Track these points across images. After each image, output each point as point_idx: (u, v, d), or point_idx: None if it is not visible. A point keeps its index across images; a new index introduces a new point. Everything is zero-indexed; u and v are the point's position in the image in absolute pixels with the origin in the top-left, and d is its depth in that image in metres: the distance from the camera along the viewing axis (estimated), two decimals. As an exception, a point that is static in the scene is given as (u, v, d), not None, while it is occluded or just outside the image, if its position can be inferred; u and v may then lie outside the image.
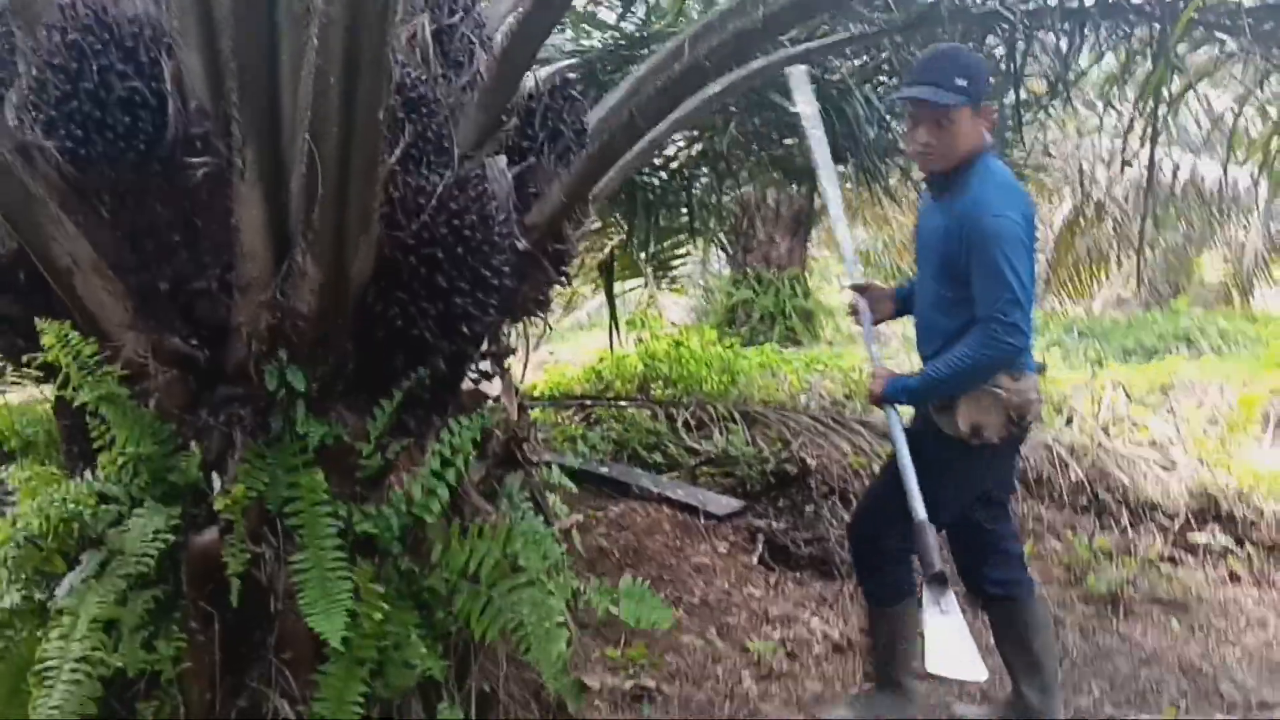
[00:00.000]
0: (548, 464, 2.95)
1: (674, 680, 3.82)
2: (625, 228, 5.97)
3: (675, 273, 7.24)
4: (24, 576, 2.16)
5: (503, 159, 2.37)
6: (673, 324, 7.94)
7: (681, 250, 7.04)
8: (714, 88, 2.49)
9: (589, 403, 6.13)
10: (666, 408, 5.98)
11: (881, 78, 4.81)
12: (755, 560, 4.73)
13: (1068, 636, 4.13)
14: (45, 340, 2.02)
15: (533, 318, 2.76)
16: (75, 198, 2.23)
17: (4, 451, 2.74)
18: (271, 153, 2.06)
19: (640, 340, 7.21)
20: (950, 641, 2.69)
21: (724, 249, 7.07)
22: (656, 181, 5.30)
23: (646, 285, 7.11)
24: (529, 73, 2.45)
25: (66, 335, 2.02)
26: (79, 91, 2.14)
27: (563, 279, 2.66)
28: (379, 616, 2.23)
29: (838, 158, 4.23)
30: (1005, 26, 3.34)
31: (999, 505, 3.17)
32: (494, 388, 2.66)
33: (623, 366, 7.07)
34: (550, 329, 2.92)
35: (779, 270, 11.43)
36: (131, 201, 2.29)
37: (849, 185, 5.84)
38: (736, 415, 5.82)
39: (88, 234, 2.22)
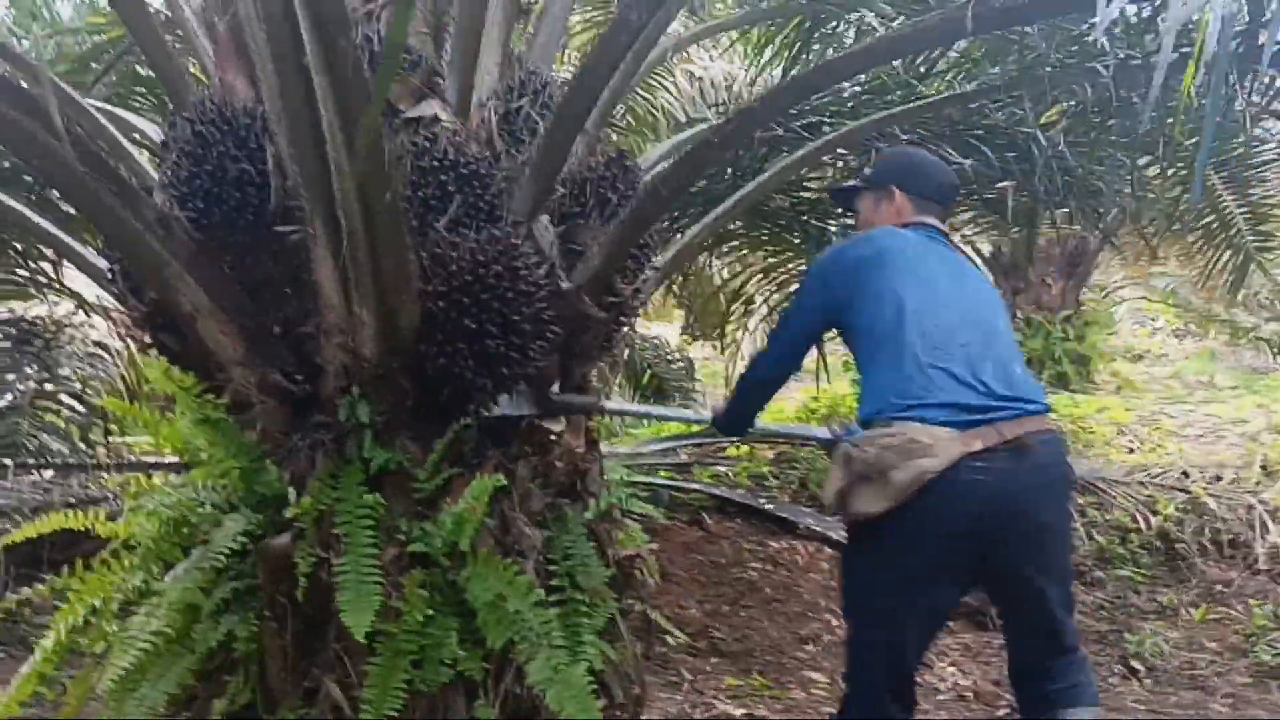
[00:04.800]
0: (625, 494, 3.19)
1: (789, 712, 3.95)
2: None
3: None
4: (149, 565, 2.68)
5: (545, 219, 2.68)
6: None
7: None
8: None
9: (781, 441, 6.28)
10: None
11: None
12: (907, 606, 4.75)
13: (1213, 704, 3.92)
14: (150, 374, 2.52)
15: (604, 360, 3.03)
16: (203, 257, 2.74)
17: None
18: (334, 224, 2.46)
19: (856, 381, 7.27)
20: None
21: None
22: (833, 227, 5.41)
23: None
24: (578, 146, 2.76)
25: (168, 370, 2.51)
26: (202, 172, 2.65)
27: (624, 327, 2.94)
28: (420, 618, 2.58)
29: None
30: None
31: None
32: (559, 424, 2.95)
33: (837, 408, 7.16)
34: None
35: (1050, 314, 11.05)
36: (249, 260, 2.78)
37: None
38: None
39: (213, 286, 2.72)
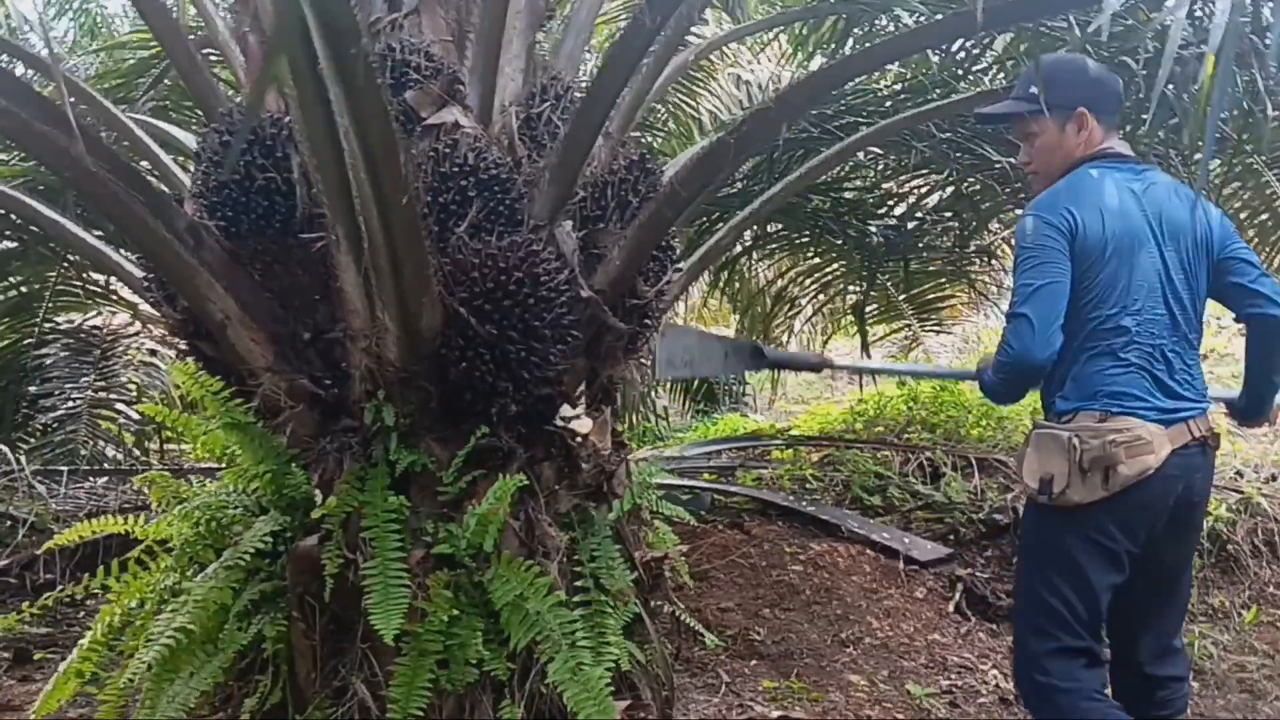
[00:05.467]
0: (656, 495, 3.20)
1: (825, 716, 3.93)
2: (866, 273, 6.08)
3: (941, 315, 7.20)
4: (183, 566, 2.74)
5: (568, 224, 2.71)
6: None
7: (945, 293, 7.00)
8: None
9: (826, 444, 6.26)
10: (903, 451, 6.00)
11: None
12: (950, 608, 4.70)
13: (1265, 708, 3.84)
14: (179, 379, 2.58)
15: (631, 361, 3.05)
16: (233, 265, 2.80)
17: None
18: (355, 230, 2.51)
19: (903, 383, 7.22)
20: None
21: (982, 293, 6.92)
22: (873, 228, 5.39)
23: (911, 328, 7.11)
24: (601, 150, 2.78)
25: (196, 374, 2.57)
26: (230, 182, 2.71)
27: (649, 326, 2.95)
28: (446, 618, 2.61)
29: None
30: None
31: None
32: (586, 426, 2.97)
33: (884, 410, 7.11)
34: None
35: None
36: (278, 267, 2.83)
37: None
38: (973, 461, 5.74)
39: (243, 293, 2.79)
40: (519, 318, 2.56)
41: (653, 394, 8.17)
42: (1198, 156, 4.57)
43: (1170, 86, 3.80)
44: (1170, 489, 2.44)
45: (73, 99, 2.67)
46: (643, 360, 3.08)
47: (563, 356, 2.70)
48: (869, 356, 6.71)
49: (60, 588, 2.87)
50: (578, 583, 2.80)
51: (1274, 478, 5.51)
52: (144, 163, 3.57)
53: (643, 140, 6.07)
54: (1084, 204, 2.43)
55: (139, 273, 3.11)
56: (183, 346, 3.06)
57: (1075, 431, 2.39)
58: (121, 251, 3.25)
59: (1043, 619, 2.51)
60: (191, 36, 3.39)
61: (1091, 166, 2.52)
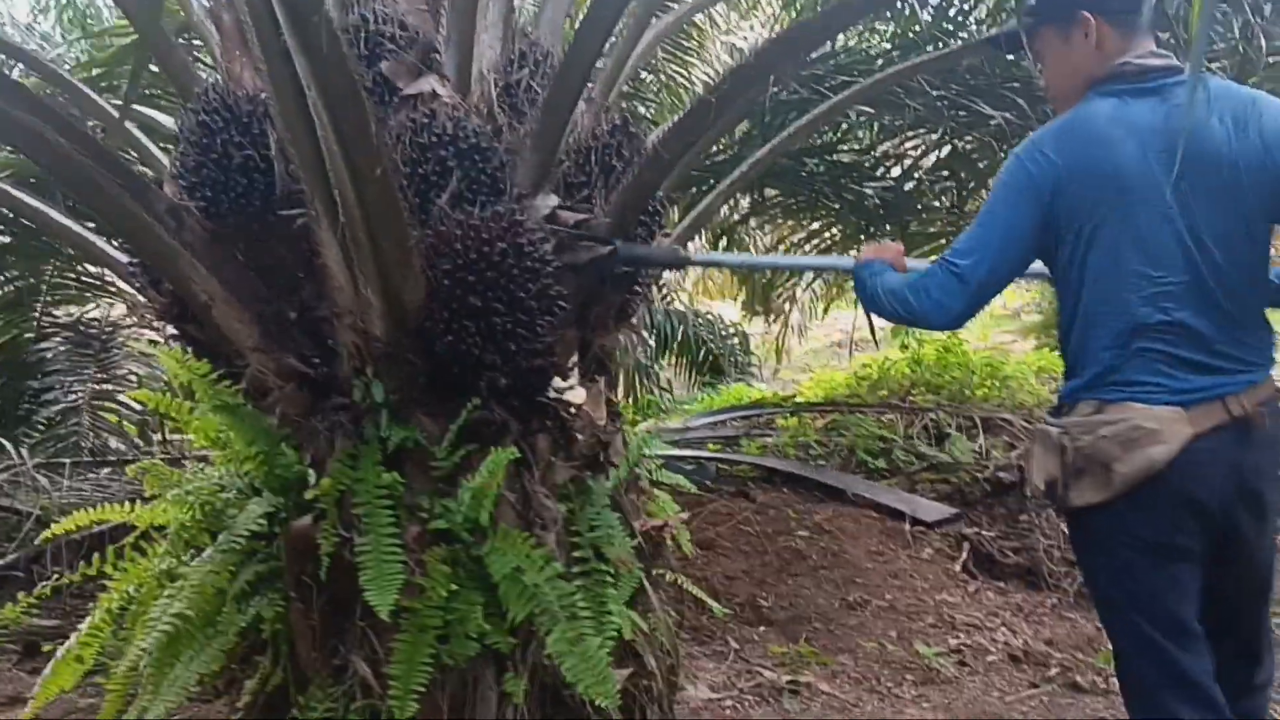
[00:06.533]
0: (656, 465, 3.19)
1: (834, 679, 3.93)
2: (864, 237, 6.03)
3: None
4: (178, 551, 2.73)
5: (554, 197, 2.67)
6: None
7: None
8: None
9: (830, 409, 6.23)
10: (908, 414, 5.97)
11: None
12: (958, 568, 4.69)
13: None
14: (165, 363, 2.56)
15: (622, 331, 3.02)
16: (215, 245, 2.77)
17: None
18: (333, 205, 2.47)
19: (905, 346, 7.19)
20: None
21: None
22: (869, 191, 5.34)
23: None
24: (584, 115, 2.75)
25: (182, 357, 2.55)
26: (208, 161, 2.68)
27: (638, 295, 2.92)
28: (444, 593, 2.59)
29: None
30: None
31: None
32: (579, 396, 2.94)
33: (888, 373, 7.08)
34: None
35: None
36: (260, 246, 2.80)
37: None
38: (978, 421, 5.72)
39: (226, 273, 2.76)
40: (504, 289, 2.53)
41: (656, 366, 8.15)
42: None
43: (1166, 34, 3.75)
44: (1203, 480, 2.01)
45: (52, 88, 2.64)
46: (635, 330, 3.05)
47: (551, 328, 2.67)
48: (871, 321, 6.66)
49: (58, 576, 2.86)
50: (576, 553, 2.78)
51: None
52: (130, 150, 3.55)
53: (635, 110, 6.02)
54: (1072, 146, 2.07)
55: (125, 259, 3.08)
56: (171, 331, 3.04)
57: (1066, 427, 2.08)
58: (114, 242, 3.23)
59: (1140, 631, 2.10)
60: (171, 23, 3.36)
61: (1100, 92, 2.12)
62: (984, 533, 4.76)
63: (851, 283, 2.50)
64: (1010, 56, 4.21)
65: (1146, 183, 2.01)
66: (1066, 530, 2.29)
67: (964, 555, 4.67)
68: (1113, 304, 2.04)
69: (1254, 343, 2.07)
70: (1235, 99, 2.04)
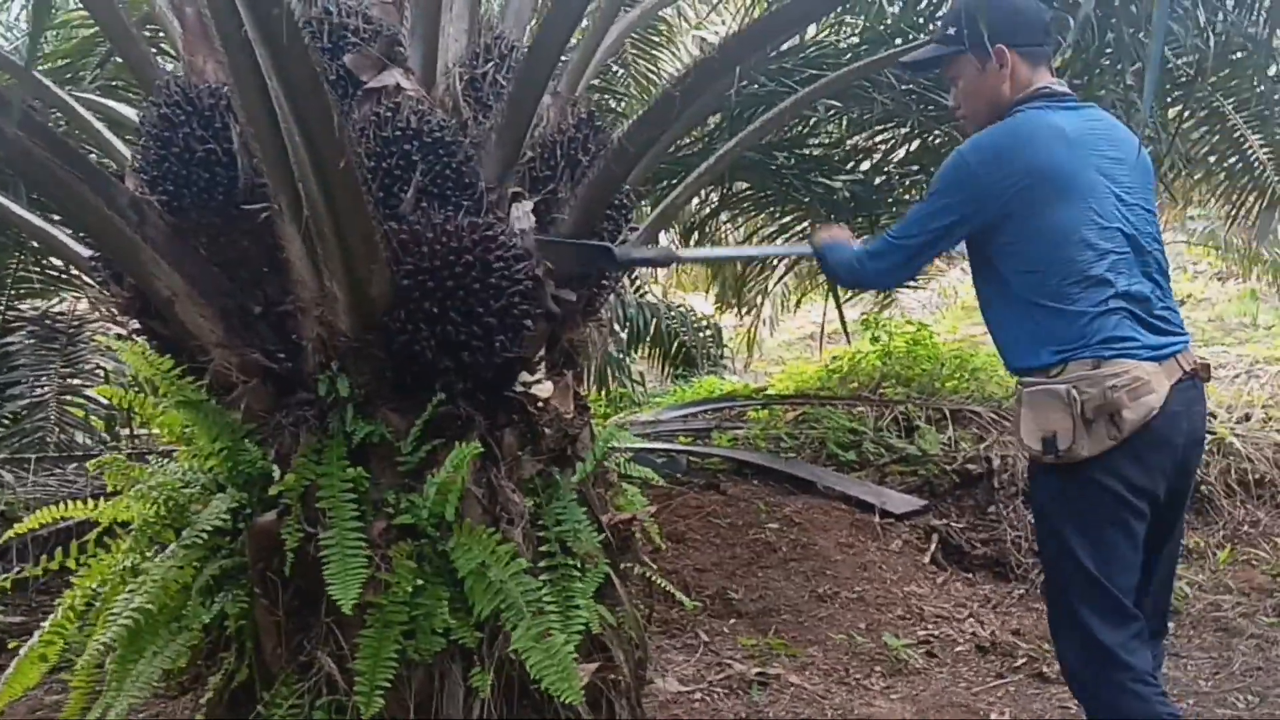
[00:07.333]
0: (624, 458, 3.19)
1: (803, 671, 3.95)
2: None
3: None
4: (141, 547, 2.71)
5: (528, 204, 2.65)
6: (908, 321, 7.85)
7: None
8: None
9: (801, 402, 6.25)
10: (878, 406, 6.00)
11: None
12: (927, 559, 4.72)
13: (1240, 645, 3.87)
14: (128, 359, 2.54)
15: (589, 325, 3.02)
16: (178, 240, 2.75)
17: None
18: (297, 198, 2.46)
19: (876, 339, 7.22)
20: None
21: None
22: (839, 184, 5.35)
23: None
24: (550, 109, 2.74)
25: (145, 352, 2.53)
26: (170, 154, 2.66)
27: (606, 290, 2.92)
28: (410, 589, 2.59)
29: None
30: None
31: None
32: (546, 390, 2.94)
33: (858, 366, 7.11)
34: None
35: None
36: (224, 240, 2.78)
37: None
38: (947, 413, 5.75)
39: (189, 268, 2.73)
40: (462, 301, 2.51)
41: (628, 359, 8.15)
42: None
43: (1130, 30, 3.78)
44: (1178, 426, 2.31)
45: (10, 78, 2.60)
46: (603, 323, 3.04)
47: (512, 344, 2.65)
48: (842, 314, 6.69)
49: (19, 572, 2.83)
50: (543, 548, 2.78)
51: (1246, 418, 5.54)
52: (90, 142, 3.51)
53: (605, 104, 6.01)
54: (1024, 147, 2.31)
55: (87, 253, 3.05)
56: (135, 326, 3.01)
57: (1071, 383, 2.25)
58: (76, 236, 3.19)
59: (1090, 591, 2.31)
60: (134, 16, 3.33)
61: (1028, 106, 2.39)
62: (952, 524, 4.79)
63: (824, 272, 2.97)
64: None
65: (1091, 173, 2.34)
66: (1044, 493, 2.43)
67: (932, 547, 4.70)
68: (1086, 274, 2.30)
69: (1176, 311, 2.43)
70: (1125, 130, 2.49)
